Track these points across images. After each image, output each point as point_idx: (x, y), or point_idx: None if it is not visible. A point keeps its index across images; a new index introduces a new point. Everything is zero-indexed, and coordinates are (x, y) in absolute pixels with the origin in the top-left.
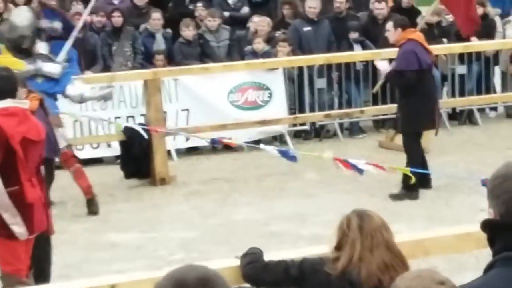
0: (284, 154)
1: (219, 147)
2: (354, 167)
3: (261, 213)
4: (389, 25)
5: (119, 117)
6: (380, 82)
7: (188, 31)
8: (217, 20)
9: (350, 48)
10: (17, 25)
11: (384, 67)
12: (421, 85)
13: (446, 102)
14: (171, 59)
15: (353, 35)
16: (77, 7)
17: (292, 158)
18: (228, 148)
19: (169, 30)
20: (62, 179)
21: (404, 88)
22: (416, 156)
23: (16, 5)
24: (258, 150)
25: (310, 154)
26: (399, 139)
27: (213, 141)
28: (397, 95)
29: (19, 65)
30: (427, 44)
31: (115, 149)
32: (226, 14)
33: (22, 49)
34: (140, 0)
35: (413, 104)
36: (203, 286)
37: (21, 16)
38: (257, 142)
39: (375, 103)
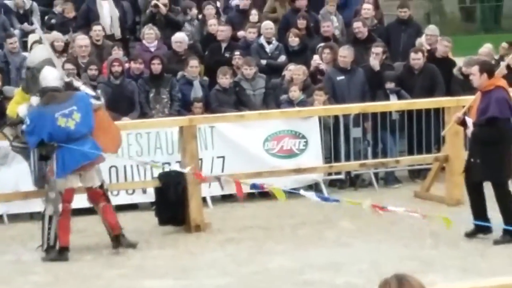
0: (325, 199)
1: (256, 194)
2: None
3: (295, 262)
4: (475, 69)
5: (146, 162)
6: (448, 126)
7: (225, 79)
8: (254, 68)
9: (386, 97)
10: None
11: (469, 120)
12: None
13: None
14: (207, 107)
15: (389, 85)
16: (118, 52)
17: (333, 201)
18: (263, 196)
19: (205, 78)
20: (98, 225)
21: (493, 137)
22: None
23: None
24: (293, 198)
25: (351, 201)
26: (434, 189)
27: (254, 186)
28: (474, 143)
29: (14, 110)
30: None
31: (150, 195)
32: (263, 62)
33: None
34: (179, 46)
35: (503, 151)
36: None
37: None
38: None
39: (410, 153)
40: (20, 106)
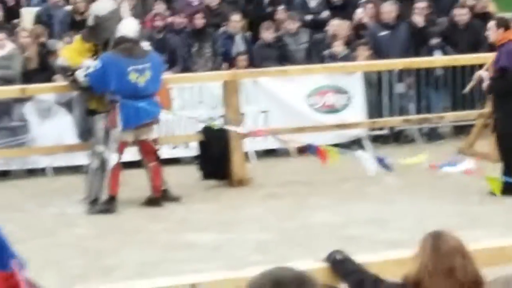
0: (381, 161)
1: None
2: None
3: (338, 217)
4: (491, 24)
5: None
6: (471, 83)
7: (268, 34)
8: (297, 23)
9: (429, 54)
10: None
11: (484, 74)
12: None
13: None
14: (250, 61)
15: (434, 40)
16: (160, 6)
17: (387, 168)
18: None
19: (248, 33)
20: (141, 179)
21: (505, 88)
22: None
23: None
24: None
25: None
26: (478, 146)
27: (310, 148)
28: (494, 97)
29: (76, 60)
30: None
31: (193, 150)
32: (308, 17)
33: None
34: (212, 1)
35: None
36: (300, 285)
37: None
38: (336, 145)
39: (454, 109)
40: (85, 60)
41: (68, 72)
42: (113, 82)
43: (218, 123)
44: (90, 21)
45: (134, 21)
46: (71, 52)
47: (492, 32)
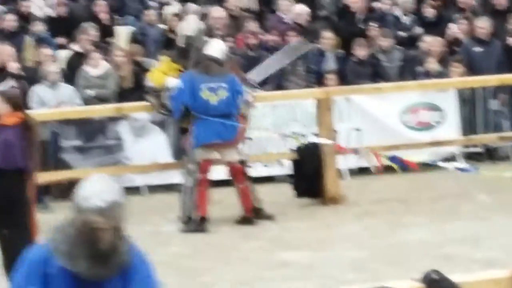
0: (465, 170)
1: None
2: None
3: (433, 235)
4: None
5: (287, 134)
6: None
7: (361, 51)
8: (390, 40)
9: None
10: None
11: None
12: None
13: None
14: (342, 79)
15: None
16: (252, 24)
17: (473, 171)
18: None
19: (340, 50)
20: (235, 197)
21: None
22: None
23: None
24: (430, 171)
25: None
26: None
27: (394, 160)
28: None
29: (160, 80)
30: None
31: (287, 168)
32: (401, 34)
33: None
34: (300, 18)
35: None
36: None
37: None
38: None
39: None
40: (169, 78)
41: (154, 93)
42: (187, 98)
43: (307, 139)
44: (180, 42)
45: (220, 41)
46: (156, 73)
47: None
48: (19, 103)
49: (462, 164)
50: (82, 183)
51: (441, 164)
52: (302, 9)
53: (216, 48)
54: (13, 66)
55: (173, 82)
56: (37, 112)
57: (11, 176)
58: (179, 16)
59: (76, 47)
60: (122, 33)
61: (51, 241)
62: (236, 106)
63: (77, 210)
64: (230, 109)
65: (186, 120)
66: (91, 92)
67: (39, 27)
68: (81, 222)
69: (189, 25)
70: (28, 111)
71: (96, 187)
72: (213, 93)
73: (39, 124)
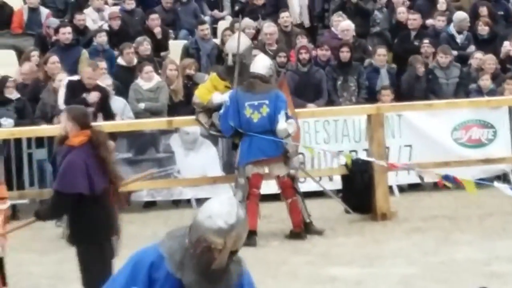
0: None
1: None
2: None
3: (482, 253)
4: None
5: (341, 151)
6: None
7: (419, 67)
8: (449, 56)
9: None
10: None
11: None
12: None
13: None
14: (396, 94)
15: None
16: (304, 40)
17: None
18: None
19: (393, 65)
20: (283, 211)
21: None
22: None
23: None
24: (481, 188)
25: None
26: None
27: (446, 177)
28: None
29: (205, 97)
30: None
31: (337, 183)
32: (454, 52)
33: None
34: (345, 35)
35: None
36: None
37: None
38: (481, 179)
39: None
40: (214, 93)
41: (204, 112)
42: (233, 117)
43: (358, 156)
44: (228, 60)
45: (266, 57)
46: (201, 89)
47: None
48: (85, 120)
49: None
50: (211, 200)
51: (496, 185)
52: (349, 25)
53: (260, 64)
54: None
55: (219, 98)
56: None
57: (72, 201)
58: (231, 31)
59: (121, 60)
60: (176, 47)
61: (164, 246)
62: (278, 121)
63: (198, 226)
64: (272, 126)
65: (237, 136)
66: (142, 105)
67: (100, 39)
68: (200, 239)
69: (237, 42)
70: (97, 126)
71: (222, 207)
72: (256, 111)
73: (108, 140)
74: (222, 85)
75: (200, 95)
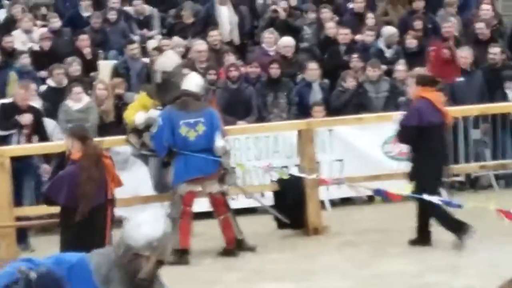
0: (448, 204)
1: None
2: None
3: (414, 265)
4: (410, 81)
5: (272, 167)
6: None
7: (349, 82)
8: (378, 71)
9: (504, 98)
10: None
11: None
12: None
13: None
14: (327, 109)
15: (509, 84)
16: (233, 57)
17: (457, 206)
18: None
19: (326, 80)
20: (216, 229)
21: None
22: None
23: None
24: (412, 201)
25: (476, 206)
26: None
27: (378, 192)
28: None
29: (132, 117)
30: None
31: (269, 199)
32: (384, 67)
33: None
34: (287, 51)
35: None
36: None
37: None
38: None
39: None
40: (138, 113)
41: (134, 132)
42: (168, 136)
43: (291, 172)
44: (157, 78)
45: (197, 76)
46: (130, 110)
47: (410, 88)
48: (83, 136)
49: (445, 197)
50: (138, 213)
51: (425, 197)
52: (289, 42)
53: (193, 82)
54: None
55: (142, 117)
56: (18, 147)
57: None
58: (160, 50)
59: (51, 81)
60: (105, 67)
61: (91, 261)
62: (214, 139)
63: (126, 236)
64: (210, 143)
65: (168, 155)
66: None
67: (24, 61)
68: (127, 248)
69: (167, 61)
70: (94, 144)
71: (149, 218)
72: (192, 129)
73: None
74: (151, 103)
75: (127, 116)
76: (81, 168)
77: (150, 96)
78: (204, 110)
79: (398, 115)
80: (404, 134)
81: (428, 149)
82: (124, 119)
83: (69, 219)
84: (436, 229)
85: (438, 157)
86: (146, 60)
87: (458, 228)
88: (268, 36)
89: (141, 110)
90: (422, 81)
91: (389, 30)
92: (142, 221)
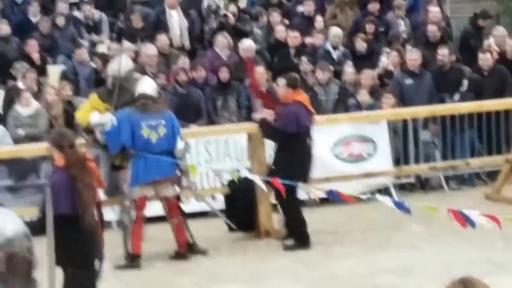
0: (399, 206)
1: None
2: (467, 219)
3: (365, 266)
4: (282, 82)
5: (223, 171)
6: None
7: None
8: (327, 73)
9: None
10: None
11: None
12: None
13: None
14: None
15: (462, 88)
16: (183, 61)
17: (407, 211)
18: (332, 201)
19: (275, 84)
20: (168, 233)
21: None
22: None
23: None
24: (362, 203)
25: (425, 206)
26: (505, 191)
27: (331, 194)
28: None
29: (85, 118)
30: None
31: (220, 202)
32: (332, 68)
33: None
34: (247, 53)
35: None
36: None
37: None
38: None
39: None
40: (92, 113)
41: (86, 130)
42: (127, 138)
43: (243, 175)
44: (108, 83)
45: (150, 79)
46: (82, 111)
47: (280, 90)
48: (59, 144)
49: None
50: None
51: (378, 197)
52: (250, 45)
53: (149, 86)
54: None
55: (96, 118)
56: None
57: (57, 223)
58: (109, 55)
59: (21, 85)
60: (54, 72)
61: None
62: (175, 142)
63: None
64: (171, 145)
65: (119, 158)
66: (22, 132)
67: None
68: None
69: (118, 65)
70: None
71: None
72: (154, 131)
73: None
74: (103, 107)
75: (79, 117)
76: (73, 178)
77: (101, 99)
78: (164, 113)
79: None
80: (280, 137)
81: (299, 151)
82: (76, 119)
83: (67, 227)
84: (386, 231)
85: (306, 159)
86: (93, 65)
87: (302, 238)
88: (221, 40)
89: (92, 112)
90: (294, 83)
91: (335, 31)
92: None
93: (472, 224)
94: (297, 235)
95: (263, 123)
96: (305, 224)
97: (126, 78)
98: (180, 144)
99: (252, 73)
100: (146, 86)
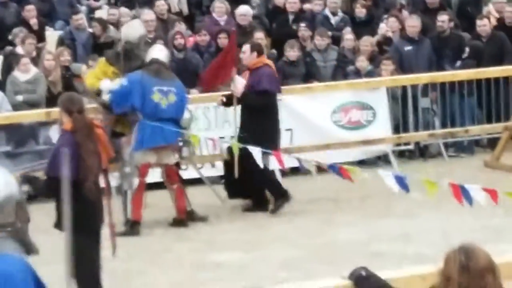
0: (400, 181)
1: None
2: (466, 195)
3: (364, 233)
4: (246, 47)
5: (223, 137)
6: None
7: (292, 52)
8: (326, 40)
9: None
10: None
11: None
12: None
13: None
14: None
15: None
16: (181, 26)
17: (405, 188)
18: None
19: (273, 51)
20: (167, 200)
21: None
22: None
23: None
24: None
25: (426, 180)
26: (504, 159)
27: (333, 168)
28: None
29: (95, 84)
30: None
31: (219, 169)
32: (330, 34)
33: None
34: (243, 19)
35: None
36: None
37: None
38: (361, 161)
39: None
40: (103, 81)
41: (89, 95)
42: (137, 100)
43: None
44: (119, 47)
45: (163, 47)
46: (91, 76)
47: (246, 56)
48: (68, 109)
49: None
50: None
51: (380, 173)
52: (246, 10)
53: (162, 53)
54: None
55: (107, 85)
56: None
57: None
58: (107, 21)
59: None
60: (52, 37)
61: None
62: (183, 111)
63: None
64: (178, 114)
65: (120, 124)
66: (20, 97)
67: None
68: None
69: (132, 31)
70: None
71: None
72: (164, 97)
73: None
74: (111, 71)
75: (89, 83)
76: (77, 144)
77: (110, 63)
78: (175, 81)
79: None
80: (266, 99)
81: (274, 113)
82: (86, 86)
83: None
84: (385, 199)
85: (278, 124)
86: (91, 30)
87: (281, 193)
88: (219, 6)
89: (101, 76)
90: (259, 48)
91: None
92: None
93: (470, 201)
94: (276, 193)
95: (245, 92)
96: (277, 180)
97: (137, 44)
98: (187, 114)
99: (230, 47)
100: (159, 52)
